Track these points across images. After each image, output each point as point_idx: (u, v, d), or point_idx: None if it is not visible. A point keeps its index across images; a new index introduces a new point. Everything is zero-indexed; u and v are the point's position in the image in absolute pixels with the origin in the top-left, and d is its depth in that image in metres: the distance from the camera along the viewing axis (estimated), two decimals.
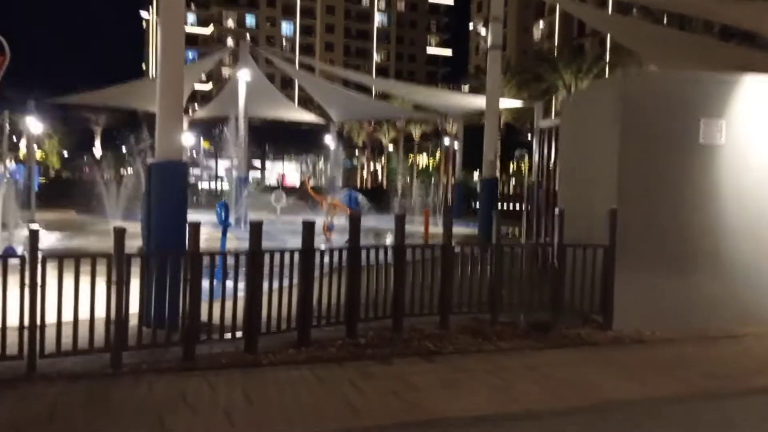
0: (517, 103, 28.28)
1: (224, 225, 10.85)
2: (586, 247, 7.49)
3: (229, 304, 6.31)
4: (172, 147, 7.06)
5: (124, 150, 36.72)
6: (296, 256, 6.58)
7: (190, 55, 79.56)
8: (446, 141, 48.16)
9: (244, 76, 23.25)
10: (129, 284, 5.65)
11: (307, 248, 6.42)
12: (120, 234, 5.54)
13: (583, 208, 8.21)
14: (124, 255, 5.55)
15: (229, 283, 6.78)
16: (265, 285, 6.26)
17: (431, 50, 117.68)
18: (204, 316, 6.02)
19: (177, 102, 7.17)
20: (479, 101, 32.36)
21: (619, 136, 7.64)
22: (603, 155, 8.02)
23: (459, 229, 25.16)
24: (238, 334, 6.23)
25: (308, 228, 6.56)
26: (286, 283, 6.51)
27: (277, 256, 6.41)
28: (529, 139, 30.32)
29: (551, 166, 11.19)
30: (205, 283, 6.01)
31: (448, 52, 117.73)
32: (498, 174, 42.34)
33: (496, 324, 7.36)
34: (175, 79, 7.14)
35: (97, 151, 65.43)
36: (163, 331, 6.00)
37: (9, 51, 7.93)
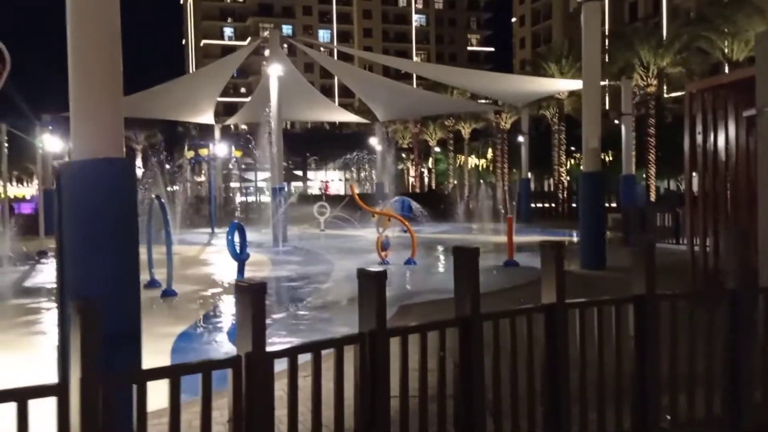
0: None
1: (239, 259, 7.55)
2: None
3: None
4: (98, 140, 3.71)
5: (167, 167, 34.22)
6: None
7: None
8: (500, 137, 44.29)
9: (275, 71, 20.09)
10: None
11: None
12: None
13: None
14: None
15: None
16: None
17: (472, 48, 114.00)
18: None
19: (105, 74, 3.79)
20: (557, 84, 28.53)
21: None
22: None
23: (541, 238, 21.69)
24: None
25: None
26: None
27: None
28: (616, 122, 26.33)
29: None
30: None
31: (490, 48, 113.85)
32: (561, 172, 38.62)
33: None
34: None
35: (139, 170, 63.69)
36: None
37: (9, 59, 7.55)
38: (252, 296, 3.05)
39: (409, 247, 14.50)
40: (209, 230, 25.31)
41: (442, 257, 16.98)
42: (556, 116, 38.82)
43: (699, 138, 9.01)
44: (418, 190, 53.00)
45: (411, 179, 61.71)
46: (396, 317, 8.63)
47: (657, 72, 30.03)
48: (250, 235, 24.32)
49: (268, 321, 8.09)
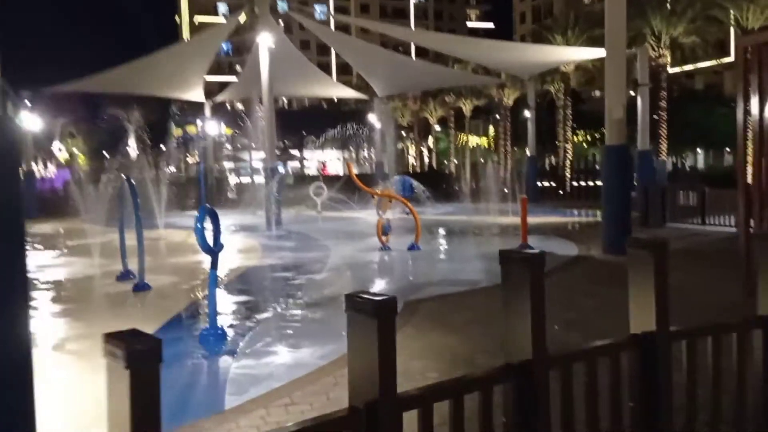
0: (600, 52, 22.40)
1: (210, 252, 6.27)
2: None
3: None
4: None
5: (164, 148, 32.68)
6: None
7: (225, 47, 75.96)
8: (503, 113, 42.78)
9: (265, 41, 18.61)
10: None
11: None
12: None
13: None
14: None
15: None
16: None
17: (472, 24, 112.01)
18: None
19: None
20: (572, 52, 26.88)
21: None
22: None
23: (551, 219, 20.46)
24: None
25: None
26: None
27: None
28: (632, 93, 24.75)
29: None
30: None
31: (490, 24, 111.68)
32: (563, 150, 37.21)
33: None
34: None
35: (132, 150, 62.10)
36: None
37: None
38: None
39: (412, 230, 13.21)
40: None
41: (448, 241, 15.69)
42: (561, 91, 37.30)
43: (755, 105, 7.66)
44: (418, 170, 51.57)
45: (411, 158, 60.23)
46: (401, 316, 7.33)
47: (669, 42, 28.49)
48: (244, 218, 23.35)
49: (250, 323, 6.71)
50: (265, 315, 7.68)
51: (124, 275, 10.28)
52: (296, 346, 6.20)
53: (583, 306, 7.64)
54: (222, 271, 11.05)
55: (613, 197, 11.74)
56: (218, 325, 6.55)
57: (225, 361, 5.79)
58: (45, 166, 55.50)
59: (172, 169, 23.49)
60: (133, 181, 9.72)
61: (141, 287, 9.39)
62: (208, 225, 6.41)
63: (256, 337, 6.58)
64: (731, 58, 39.71)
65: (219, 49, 25.66)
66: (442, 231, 17.31)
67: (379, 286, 9.81)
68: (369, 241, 13.62)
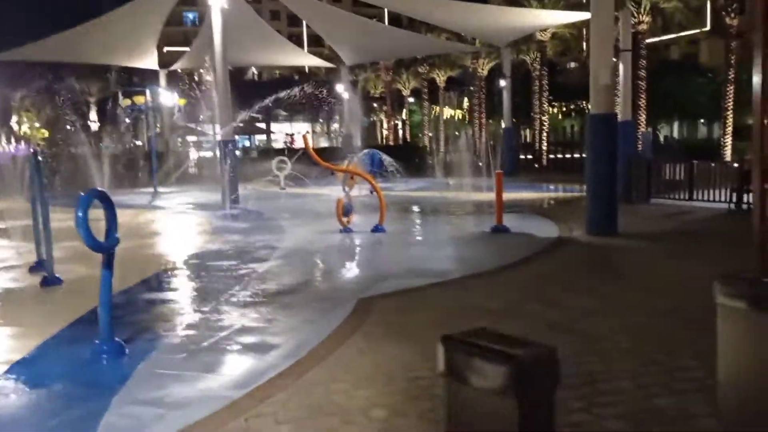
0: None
1: (100, 248, 4.90)
2: None
3: None
4: None
5: (128, 121, 30.63)
6: None
7: (190, 16, 73.09)
8: (477, 84, 41.36)
9: (216, 1, 16.91)
10: None
11: None
12: None
13: None
14: None
15: None
16: None
17: None
18: None
19: None
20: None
21: None
22: None
23: (528, 194, 19.12)
24: None
25: None
26: None
27: None
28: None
29: None
30: None
31: None
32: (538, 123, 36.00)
33: None
34: None
35: (94, 123, 59.46)
36: None
37: None
38: None
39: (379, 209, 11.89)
40: (152, 190, 22.41)
41: (417, 221, 14.39)
42: (537, 61, 35.96)
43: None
44: (391, 143, 50.06)
45: (385, 132, 58.57)
46: (352, 320, 6.03)
47: (650, 7, 27.24)
48: (201, 196, 21.76)
49: (164, 331, 5.26)
50: (189, 318, 6.31)
51: (38, 265, 8.81)
52: (210, 368, 4.85)
53: (568, 303, 6.40)
54: (147, 262, 9.63)
55: (599, 173, 10.50)
56: (114, 339, 5.18)
57: (106, 393, 4.42)
58: (8, 141, 52.81)
59: (119, 144, 21.82)
60: (40, 156, 8.21)
61: (51, 281, 7.95)
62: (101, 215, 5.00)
63: (162, 354, 5.22)
64: (708, 27, 38.73)
65: (171, 10, 23.62)
66: (411, 209, 15.99)
67: (329, 279, 8.47)
68: (330, 222, 12.26)
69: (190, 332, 5.83)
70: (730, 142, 26.59)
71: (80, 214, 4.70)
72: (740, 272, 3.29)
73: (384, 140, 53.75)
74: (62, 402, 4.29)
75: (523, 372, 2.13)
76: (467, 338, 2.36)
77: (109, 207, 5.05)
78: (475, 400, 2.24)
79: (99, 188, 5.22)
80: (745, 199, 12.96)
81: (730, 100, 26.38)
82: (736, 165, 14.64)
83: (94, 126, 39.23)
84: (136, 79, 44.03)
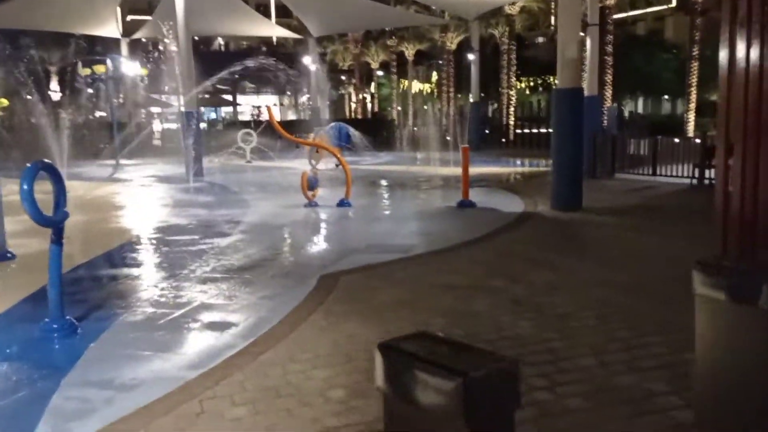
0: None
1: (47, 223, 4.68)
2: None
3: None
4: None
5: (90, 91, 29.64)
6: None
7: None
8: (446, 58, 41.10)
9: None
10: None
11: None
12: None
13: None
14: None
15: None
16: None
17: None
18: None
19: None
20: None
21: None
22: None
23: (494, 169, 19.11)
24: None
25: None
26: None
27: None
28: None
29: None
30: None
31: None
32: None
33: None
34: None
35: (55, 94, 57.63)
36: None
37: None
38: None
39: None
40: (114, 162, 21.85)
41: (384, 195, 14.26)
42: (505, 35, 35.84)
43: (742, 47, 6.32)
44: (360, 117, 49.61)
45: (353, 105, 58.03)
46: (314, 297, 5.91)
47: None
48: (165, 168, 21.30)
49: (119, 308, 5.09)
50: (141, 298, 6.11)
51: None
52: (165, 347, 4.70)
53: (532, 278, 6.37)
54: (105, 236, 9.37)
55: (564, 147, 10.48)
56: (65, 317, 4.98)
57: (54, 374, 4.24)
58: None
59: (80, 114, 21.13)
60: None
61: (2, 256, 7.67)
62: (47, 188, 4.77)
63: (116, 333, 5.04)
64: (673, 4, 39.00)
65: None
66: (378, 183, 15.86)
67: (292, 254, 8.32)
68: (296, 196, 12.07)
69: (147, 310, 5.65)
70: (693, 118, 26.93)
71: (25, 186, 4.47)
72: (716, 257, 3.23)
73: (352, 113, 53.31)
74: (6, 384, 4.10)
75: (475, 390, 1.83)
76: (410, 347, 2.07)
77: (57, 180, 4.82)
78: (418, 419, 1.95)
79: (45, 160, 4.96)
80: (707, 174, 13.10)
81: (695, 76, 26.65)
82: (698, 141, 14.77)
83: (56, 96, 38.10)
84: (99, 48, 42.75)
